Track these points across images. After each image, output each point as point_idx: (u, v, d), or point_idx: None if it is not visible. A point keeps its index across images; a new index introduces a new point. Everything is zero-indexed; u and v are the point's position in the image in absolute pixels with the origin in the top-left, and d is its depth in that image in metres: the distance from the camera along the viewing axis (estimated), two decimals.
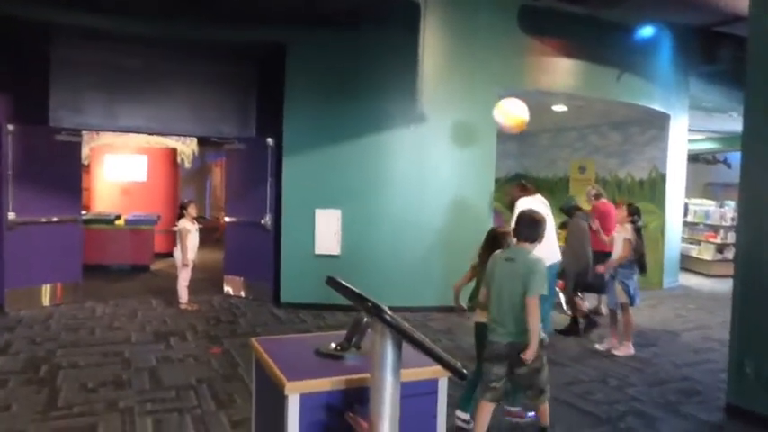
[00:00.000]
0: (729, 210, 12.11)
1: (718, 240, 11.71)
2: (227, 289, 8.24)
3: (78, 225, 7.58)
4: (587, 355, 5.83)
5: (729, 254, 11.58)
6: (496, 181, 8.17)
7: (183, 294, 7.34)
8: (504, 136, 8.16)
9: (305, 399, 2.14)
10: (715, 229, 11.96)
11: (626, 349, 5.88)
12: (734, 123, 13.81)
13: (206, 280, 8.99)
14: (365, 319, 2.52)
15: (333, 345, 2.51)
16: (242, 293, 8.09)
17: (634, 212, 5.94)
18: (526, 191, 5.78)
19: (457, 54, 7.61)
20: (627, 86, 8.70)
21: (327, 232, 7.44)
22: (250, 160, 8.04)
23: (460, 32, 7.58)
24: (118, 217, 10.25)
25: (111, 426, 3.82)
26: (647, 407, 4.45)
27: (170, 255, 9.90)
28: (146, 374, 4.85)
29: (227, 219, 8.39)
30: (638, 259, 5.93)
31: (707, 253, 11.71)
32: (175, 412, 4.08)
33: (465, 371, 1.82)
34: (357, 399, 2.19)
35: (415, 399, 2.28)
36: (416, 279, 7.37)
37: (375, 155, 7.45)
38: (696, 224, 12.35)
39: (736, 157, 20.15)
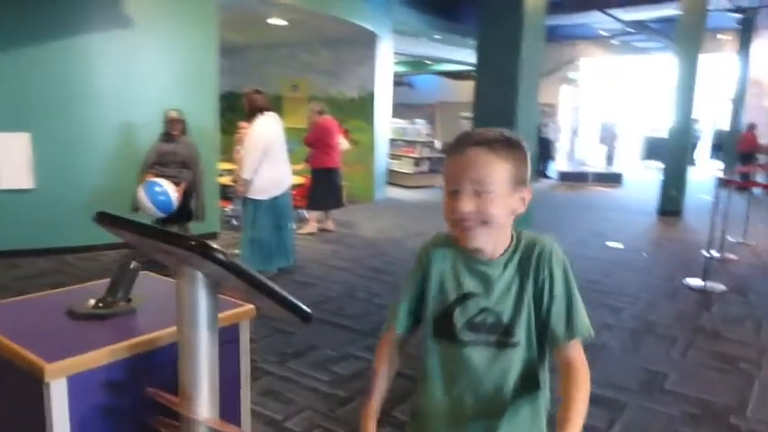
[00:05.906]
0: (422, 127, 13.43)
1: (416, 155, 12.93)
2: None
3: None
4: (329, 272, 5.89)
5: (425, 167, 12.94)
6: None
7: None
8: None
9: (75, 382, 1.56)
10: (412, 144, 13.16)
11: None
12: (423, 47, 15.13)
13: None
14: (133, 264, 1.97)
15: (91, 301, 1.91)
16: None
17: None
18: (260, 94, 5.52)
19: None
20: (342, 2, 8.71)
21: (12, 161, 6.00)
22: None
23: None
24: None
25: None
26: None
27: None
28: None
29: None
30: None
31: (407, 167, 12.87)
32: None
33: (310, 311, 1.49)
34: (146, 368, 1.69)
35: None
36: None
37: (71, 64, 6.14)
38: (396, 140, 13.41)
39: (417, 80, 22.46)
